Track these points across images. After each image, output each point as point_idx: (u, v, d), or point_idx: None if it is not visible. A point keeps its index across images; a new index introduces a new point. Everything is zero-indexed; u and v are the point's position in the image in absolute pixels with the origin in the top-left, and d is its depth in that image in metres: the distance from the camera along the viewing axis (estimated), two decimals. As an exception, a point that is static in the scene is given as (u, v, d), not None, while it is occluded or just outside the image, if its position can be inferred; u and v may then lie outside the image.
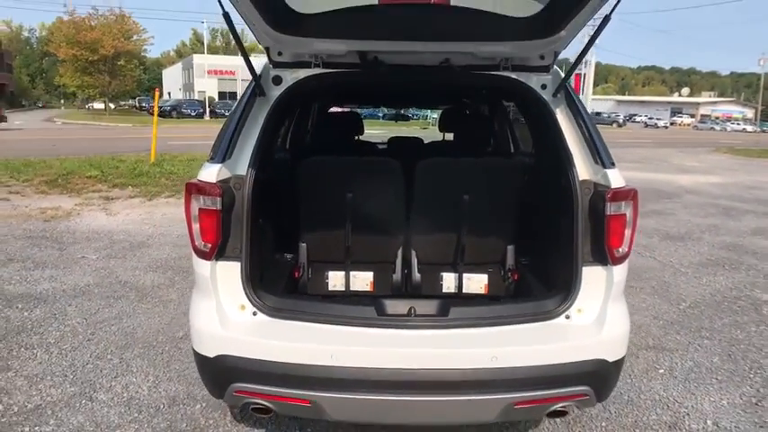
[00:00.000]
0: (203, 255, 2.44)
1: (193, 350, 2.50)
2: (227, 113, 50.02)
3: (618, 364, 2.45)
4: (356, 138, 4.83)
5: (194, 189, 2.41)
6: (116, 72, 48.00)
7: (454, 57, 2.78)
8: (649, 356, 4.05)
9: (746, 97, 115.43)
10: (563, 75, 2.78)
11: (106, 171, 12.11)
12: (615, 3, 2.17)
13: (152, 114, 15.20)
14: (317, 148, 4.07)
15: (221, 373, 2.36)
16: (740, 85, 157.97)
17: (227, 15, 2.25)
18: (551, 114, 2.72)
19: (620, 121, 70.34)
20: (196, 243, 2.45)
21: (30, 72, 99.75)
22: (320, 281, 3.16)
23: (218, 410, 3.21)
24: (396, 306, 2.53)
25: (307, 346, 2.29)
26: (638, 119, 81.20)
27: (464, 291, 3.09)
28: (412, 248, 3.16)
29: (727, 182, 14.93)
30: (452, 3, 2.34)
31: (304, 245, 3.16)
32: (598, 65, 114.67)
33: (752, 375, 3.80)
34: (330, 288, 3.15)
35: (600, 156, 2.51)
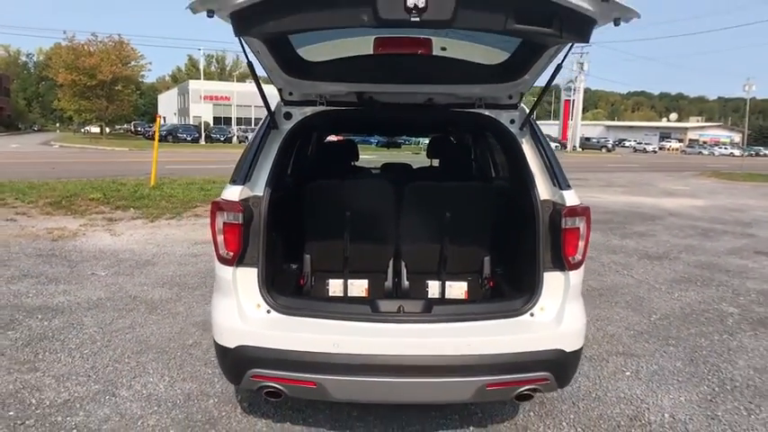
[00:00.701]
0: (226, 261, 2.87)
1: (215, 342, 2.91)
2: (222, 138, 51.19)
3: (575, 354, 2.87)
4: (352, 163, 5.31)
5: (219, 206, 2.85)
6: (113, 97, 48.66)
7: (437, 96, 3.31)
8: (618, 361, 4.45)
9: (734, 122, 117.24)
10: (527, 111, 3.27)
11: (108, 193, 12.47)
12: (565, 54, 2.67)
13: (148, 138, 15.69)
14: (319, 172, 4.55)
15: (240, 361, 2.77)
16: (728, 110, 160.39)
17: (250, 64, 2.74)
18: (518, 145, 3.21)
19: (609, 146, 71.50)
20: (220, 252, 2.87)
21: (26, 96, 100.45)
22: (322, 287, 3.61)
23: (229, 404, 3.59)
24: (387, 305, 2.97)
25: (313, 337, 2.72)
26: (627, 144, 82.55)
27: (446, 296, 3.56)
28: (402, 259, 3.61)
29: (709, 205, 15.45)
30: (434, 53, 2.81)
31: (308, 256, 3.61)
32: (588, 91, 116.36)
33: (710, 377, 4.21)
34: (330, 294, 3.60)
35: (557, 179, 3.00)
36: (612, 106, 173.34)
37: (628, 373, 4.24)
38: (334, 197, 3.50)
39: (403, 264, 3.62)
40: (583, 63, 65.45)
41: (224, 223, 2.84)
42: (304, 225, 3.57)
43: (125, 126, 73.69)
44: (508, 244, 3.58)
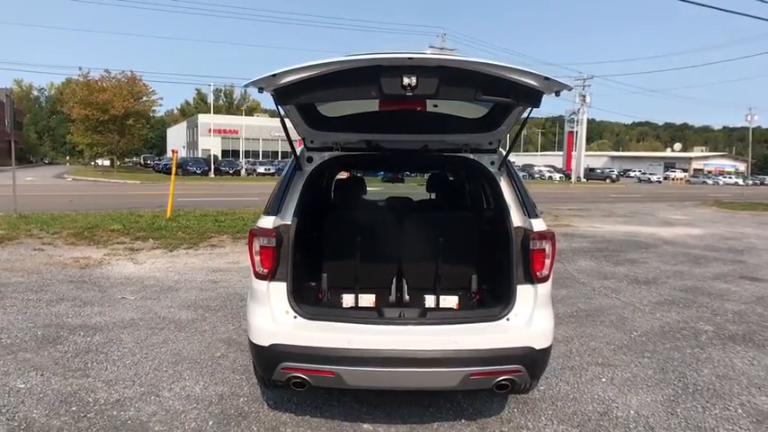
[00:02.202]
0: (262, 277, 3.55)
1: (251, 342, 3.55)
2: (231, 171, 52.23)
3: (543, 351, 3.51)
4: (362, 197, 6.05)
5: (257, 233, 3.53)
6: (125, 131, 49.78)
7: (431, 143, 4.09)
8: (596, 370, 5.03)
9: (738, 151, 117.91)
10: (504, 154, 3.98)
11: (127, 225, 13.15)
12: (529, 112, 3.40)
13: (157, 171, 16.47)
14: (334, 204, 5.29)
15: (273, 356, 3.42)
16: (733, 139, 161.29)
17: (282, 120, 3.45)
18: (496, 182, 3.94)
19: (614, 176, 72.27)
20: (257, 269, 3.55)
21: (38, 129, 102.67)
22: (337, 300, 4.27)
23: (257, 402, 4.20)
24: (391, 312, 3.66)
25: (331, 336, 3.38)
26: (631, 174, 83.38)
27: (441, 307, 4.22)
28: (403, 277, 4.30)
29: (705, 233, 15.90)
30: (428, 109, 3.53)
31: (325, 274, 4.28)
32: (592, 121, 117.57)
33: (676, 382, 4.78)
34: (344, 306, 4.26)
35: (527, 209, 3.72)
36: (617, 137, 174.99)
37: (603, 380, 4.82)
38: (347, 225, 4.20)
39: (404, 281, 4.31)
40: (585, 96, 66.76)
41: (260, 246, 3.52)
42: (322, 248, 4.25)
43: (134, 159, 75.17)
44: (490, 263, 4.24)
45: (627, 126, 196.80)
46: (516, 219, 3.76)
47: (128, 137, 50.49)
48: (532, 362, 3.46)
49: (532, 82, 2.95)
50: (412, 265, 4.29)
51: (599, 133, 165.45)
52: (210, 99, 70.32)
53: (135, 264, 9.55)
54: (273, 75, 2.90)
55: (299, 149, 4.06)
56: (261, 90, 3.02)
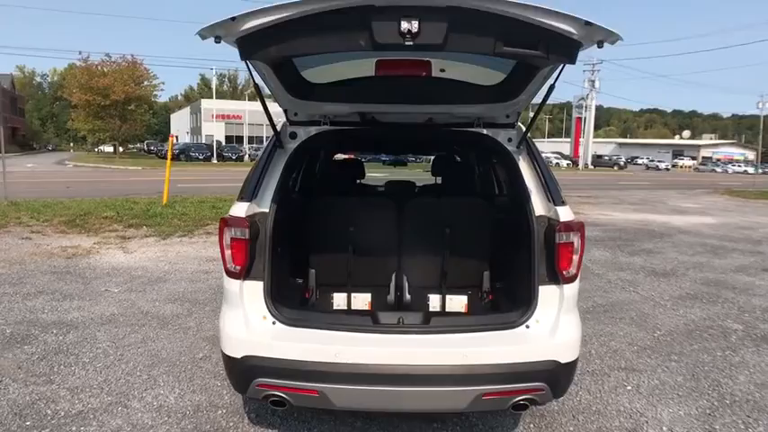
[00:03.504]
0: (233, 275, 3.00)
1: (222, 352, 3.03)
2: (233, 157, 51.69)
3: (569, 365, 2.96)
4: (358, 181, 5.46)
5: (227, 222, 2.98)
6: (126, 116, 49.41)
7: (436, 116, 3.45)
8: (620, 376, 4.51)
9: (748, 139, 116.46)
10: (524, 130, 3.40)
11: (121, 212, 12.72)
12: (558, 74, 2.80)
13: (160, 157, 15.96)
14: (325, 189, 4.70)
15: (246, 371, 2.89)
16: (742, 128, 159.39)
17: (257, 87, 2.90)
18: (514, 163, 3.34)
19: (621, 163, 71.36)
20: (228, 266, 3.00)
21: (41, 116, 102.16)
22: (326, 301, 3.73)
23: (236, 415, 3.70)
24: (388, 317, 3.10)
25: (315, 347, 2.83)
26: (639, 161, 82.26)
27: (447, 309, 3.66)
28: (404, 274, 3.74)
29: (719, 222, 15.38)
30: (434, 74, 2.96)
31: (313, 270, 3.74)
32: (600, 108, 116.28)
33: (710, 392, 4.26)
34: (335, 307, 3.72)
35: (552, 196, 3.11)
36: (625, 123, 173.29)
37: (629, 388, 4.30)
38: (338, 213, 3.65)
39: (405, 278, 3.75)
40: (594, 81, 65.69)
41: (231, 238, 2.97)
42: (309, 240, 3.70)
43: (138, 145, 74.74)
44: (506, 258, 3.69)
45: (635, 113, 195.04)
46: (538, 206, 3.18)
47: (130, 122, 50.06)
48: (557, 378, 2.92)
49: (569, 28, 2.33)
50: (414, 260, 3.73)
51: (606, 120, 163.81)
52: (213, 84, 69.61)
53: (125, 253, 9.10)
54: (233, 18, 2.32)
55: (279, 123, 3.51)
56: (218, 40, 2.40)
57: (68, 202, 14.22)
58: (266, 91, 3.29)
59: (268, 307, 3.00)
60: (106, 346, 4.93)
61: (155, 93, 54.52)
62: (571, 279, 3.02)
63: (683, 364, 4.80)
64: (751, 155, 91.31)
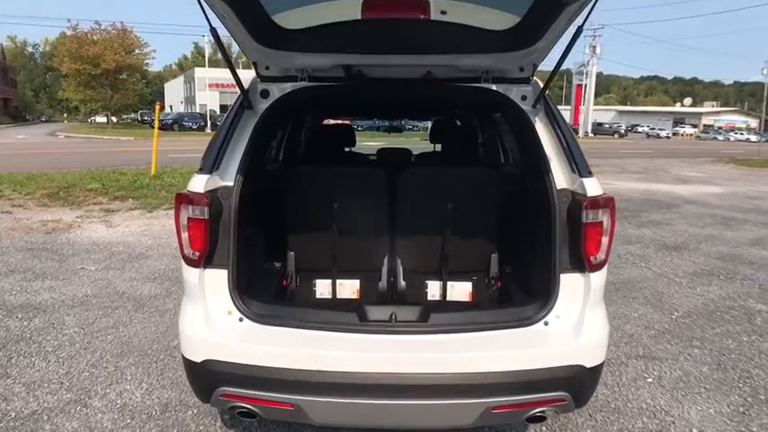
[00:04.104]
0: (192, 262, 2.51)
1: (182, 355, 2.56)
2: (229, 126, 50.30)
3: (596, 370, 2.49)
4: (349, 149, 4.91)
5: (183, 199, 2.48)
6: (118, 86, 48.30)
7: (436, 69, 2.88)
8: (639, 365, 4.08)
9: (750, 107, 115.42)
10: (542, 86, 2.86)
11: (107, 184, 12.23)
12: (587, 14, 2.25)
13: (153, 128, 15.33)
14: (307, 159, 4.17)
15: (207, 378, 2.42)
16: (744, 95, 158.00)
17: (214, 31, 2.37)
18: (530, 125, 2.80)
19: (622, 131, 70.41)
20: (185, 251, 2.51)
21: (33, 87, 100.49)
22: (308, 289, 3.24)
23: (208, 416, 3.27)
24: (377, 312, 2.59)
25: (290, 351, 2.35)
26: (639, 129, 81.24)
27: (448, 298, 3.16)
28: (397, 257, 3.24)
29: (727, 192, 14.95)
30: (433, 17, 2.41)
31: (292, 253, 3.24)
32: (600, 75, 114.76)
33: (741, 385, 3.83)
34: (317, 296, 3.23)
35: (577, 165, 2.58)
36: (625, 91, 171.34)
37: (650, 380, 3.87)
38: (319, 186, 3.11)
39: (399, 261, 3.24)
40: (595, 46, 64.30)
41: (188, 218, 2.48)
42: (287, 218, 3.18)
43: (132, 115, 73.57)
44: (519, 239, 3.19)
45: (635, 80, 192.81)
46: (560, 178, 2.64)
47: (122, 92, 48.93)
48: (580, 386, 2.45)
49: None
50: (410, 241, 3.22)
51: (606, 87, 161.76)
52: (207, 52, 68.05)
53: (107, 227, 8.64)
54: None
55: (248, 82, 2.97)
56: None
57: (53, 174, 13.69)
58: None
59: (234, 300, 2.52)
60: (73, 333, 4.48)
61: (146, 61, 53.25)
62: (599, 266, 2.52)
63: (706, 351, 4.37)
64: (753, 123, 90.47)
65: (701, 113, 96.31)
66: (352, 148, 4.96)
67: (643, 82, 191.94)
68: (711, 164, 26.16)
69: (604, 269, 2.55)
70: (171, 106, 71.03)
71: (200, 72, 66.14)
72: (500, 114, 3.63)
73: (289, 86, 2.88)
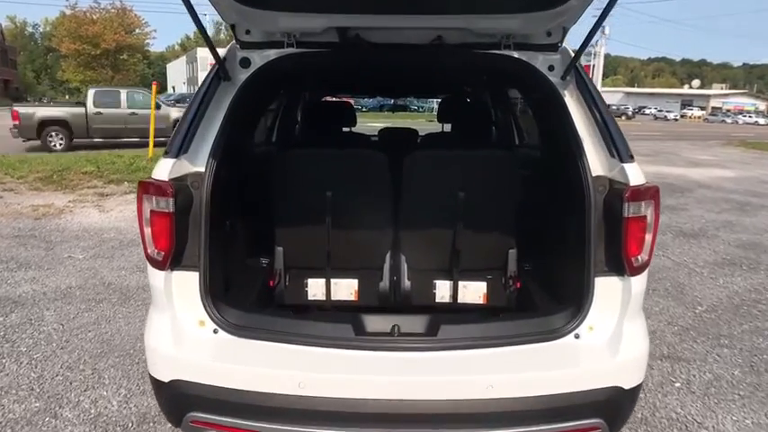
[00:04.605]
0: (156, 264, 2.15)
1: (149, 373, 2.22)
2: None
3: (634, 391, 2.13)
4: (349, 129, 4.49)
5: (146, 189, 2.12)
6: (119, 66, 47.81)
7: (447, 33, 2.45)
8: (664, 368, 3.74)
9: (759, 89, 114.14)
10: (573, 54, 2.45)
11: (102, 167, 11.91)
12: None
13: (157, 108, 14.93)
14: (301, 140, 3.76)
15: (176, 401, 2.08)
16: (753, 77, 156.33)
17: None
18: (559, 100, 2.39)
19: (629, 113, 69.45)
20: (148, 250, 2.16)
21: (34, 68, 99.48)
22: (298, 289, 2.85)
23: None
24: (377, 323, 2.23)
25: (272, 373, 1.99)
26: (647, 111, 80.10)
27: (460, 300, 2.77)
28: (401, 253, 2.85)
29: (740, 176, 14.55)
30: None
31: (280, 249, 2.84)
32: (607, 56, 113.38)
33: (778, 389, 3.49)
34: (310, 297, 2.84)
35: (616, 148, 2.18)
36: (632, 72, 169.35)
37: (677, 385, 3.53)
38: (310, 171, 2.71)
39: (403, 258, 2.86)
40: (605, 27, 63.30)
41: (151, 211, 2.12)
42: (274, 208, 2.81)
43: (135, 96, 72.89)
44: (543, 234, 2.81)
45: (642, 62, 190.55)
46: (596, 163, 2.25)
47: (122, 72, 48.42)
48: (617, 410, 2.10)
49: None
50: (416, 234, 2.82)
51: (613, 69, 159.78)
52: (209, 32, 67.03)
53: (100, 212, 8.32)
54: None
55: (223, 50, 2.57)
56: None
57: (48, 157, 13.37)
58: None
59: (207, 308, 2.15)
60: (51, 330, 4.16)
61: (147, 41, 52.63)
62: (640, 269, 2.15)
63: (736, 351, 4.02)
64: (762, 105, 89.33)
65: (709, 96, 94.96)
66: (352, 128, 4.53)
67: (651, 63, 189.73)
68: (722, 147, 25.64)
69: (645, 272, 2.19)
70: (174, 87, 70.33)
71: (202, 52, 65.11)
72: (523, 87, 3.18)
73: (273, 53, 2.47)
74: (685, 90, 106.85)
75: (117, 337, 4.06)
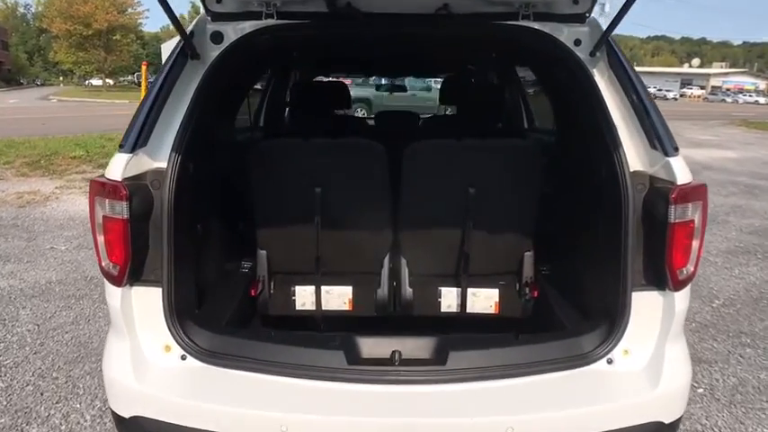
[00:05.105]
0: (112, 279, 1.85)
1: (108, 406, 1.93)
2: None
3: (675, 425, 1.84)
4: (343, 112, 4.13)
5: (97, 189, 1.82)
6: (111, 47, 47.06)
7: (455, 1, 2.11)
8: (685, 370, 3.47)
9: (759, 68, 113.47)
10: (604, 27, 2.11)
11: (92, 151, 11.60)
12: None
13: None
14: (288, 126, 3.42)
15: None
16: (753, 56, 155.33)
17: None
18: (589, 80, 2.06)
19: (628, 93, 68.90)
20: (102, 263, 1.86)
21: (27, 49, 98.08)
22: (285, 298, 2.54)
23: (169, 452, 2.67)
24: (373, 347, 1.92)
25: (249, 413, 1.70)
26: (646, 91, 79.60)
27: (468, 310, 2.46)
28: (401, 256, 2.54)
29: (744, 157, 14.31)
30: None
31: (264, 252, 2.52)
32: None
33: (809, 395, 3.23)
34: (298, 307, 2.52)
35: (659, 138, 1.85)
36: (631, 51, 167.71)
37: (700, 390, 3.26)
38: (297, 164, 2.38)
39: (403, 262, 2.55)
40: (604, 4, 62.27)
41: (104, 217, 1.82)
42: (256, 207, 2.47)
43: (129, 78, 72.05)
44: (566, 236, 2.50)
45: (641, 40, 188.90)
46: (633, 156, 1.91)
47: (115, 53, 47.75)
48: None
49: None
50: (418, 235, 2.50)
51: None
52: (202, 10, 66.13)
53: (87, 199, 7.96)
54: None
55: (191, 25, 2.24)
56: None
57: (36, 141, 12.97)
58: None
59: (173, 330, 1.85)
60: (26, 332, 3.88)
61: (140, 21, 51.76)
62: (685, 282, 1.85)
63: (760, 351, 3.75)
64: (762, 84, 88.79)
65: (708, 75, 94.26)
66: (347, 111, 4.14)
67: (650, 42, 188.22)
68: (723, 127, 25.35)
69: (688, 287, 1.89)
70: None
71: (196, 32, 64.42)
72: (543, 65, 2.80)
73: (249, 26, 2.12)
74: (685, 69, 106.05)
75: (95, 339, 3.77)
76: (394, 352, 1.87)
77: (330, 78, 5.85)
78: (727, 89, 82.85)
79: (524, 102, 3.83)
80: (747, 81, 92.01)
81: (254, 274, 2.54)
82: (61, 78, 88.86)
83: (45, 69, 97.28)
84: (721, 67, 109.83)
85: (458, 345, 1.90)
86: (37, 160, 10.67)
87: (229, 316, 2.26)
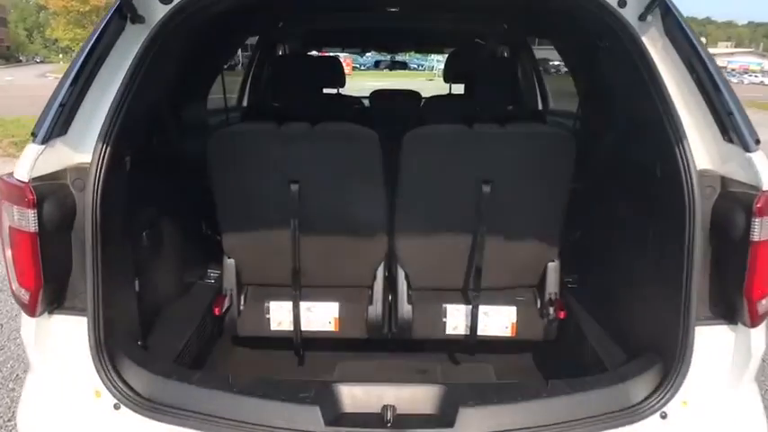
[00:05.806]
0: (24, 307, 1.48)
1: None
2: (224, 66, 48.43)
3: None
4: (337, 91, 3.69)
5: (4, 191, 1.44)
6: (109, 24, 46.45)
7: None
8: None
9: (765, 48, 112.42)
10: None
11: (83, 131, 11.19)
12: None
13: None
14: (268, 106, 3.00)
15: None
16: (758, 36, 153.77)
17: None
18: (638, 49, 1.62)
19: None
20: (13, 287, 1.48)
21: (26, 26, 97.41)
22: (257, 316, 2.14)
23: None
24: (359, 398, 1.53)
25: None
26: (651, 71, 79.14)
27: (480, 333, 2.06)
28: (399, 266, 2.14)
29: (764, 140, 13.84)
30: None
31: (231, 261, 2.13)
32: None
33: None
34: (273, 327, 2.13)
35: (735, 127, 1.44)
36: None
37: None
38: (266, 156, 1.96)
39: (401, 273, 2.15)
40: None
41: (10, 228, 1.43)
42: (218, 208, 2.05)
43: (128, 55, 71.46)
44: (601, 247, 2.10)
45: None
46: (700, 151, 1.52)
47: (113, 30, 47.02)
48: None
49: None
50: (419, 241, 2.08)
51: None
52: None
53: None
54: None
55: None
56: None
57: (26, 120, 12.56)
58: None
59: (103, 371, 1.47)
60: None
61: (140, -3, 50.91)
62: (765, 316, 1.47)
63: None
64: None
65: (714, 55, 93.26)
66: (340, 90, 3.69)
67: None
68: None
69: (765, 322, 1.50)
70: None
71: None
72: (576, 32, 2.32)
73: None
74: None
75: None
76: (385, 407, 1.47)
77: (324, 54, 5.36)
78: (732, 69, 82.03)
79: (539, 78, 3.41)
80: (753, 61, 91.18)
81: (220, 288, 2.15)
82: (60, 56, 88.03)
83: (45, 47, 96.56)
84: (726, 47, 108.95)
85: (470, 396, 1.50)
86: (25, 140, 10.25)
87: (185, 343, 1.88)
